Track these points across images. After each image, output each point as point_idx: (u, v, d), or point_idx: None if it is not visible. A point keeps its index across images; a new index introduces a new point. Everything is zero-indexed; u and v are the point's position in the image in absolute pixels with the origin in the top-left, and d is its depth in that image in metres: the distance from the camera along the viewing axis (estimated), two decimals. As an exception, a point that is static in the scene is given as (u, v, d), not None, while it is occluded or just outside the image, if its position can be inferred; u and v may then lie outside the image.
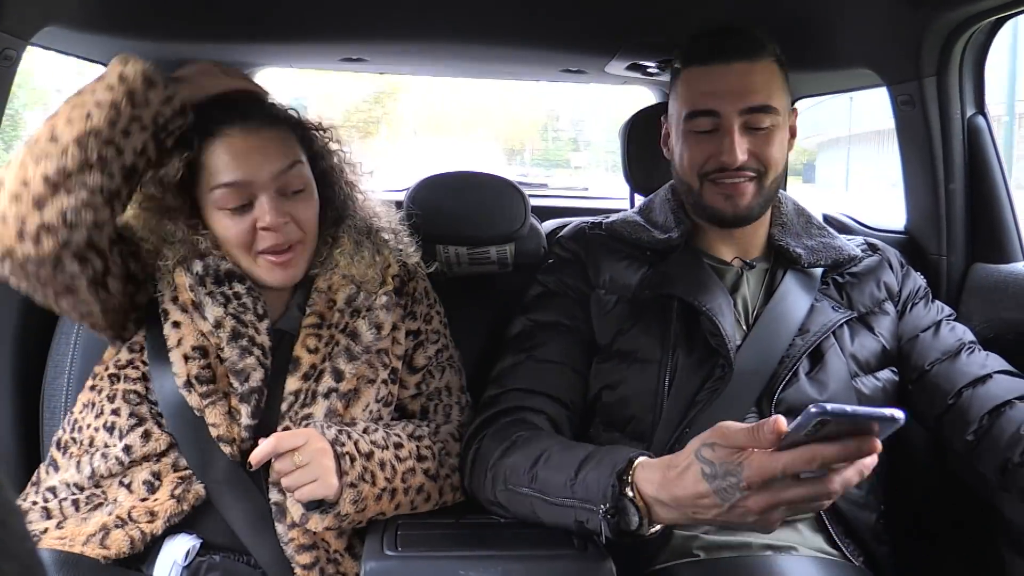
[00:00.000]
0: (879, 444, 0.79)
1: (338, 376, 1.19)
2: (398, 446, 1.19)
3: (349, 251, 1.27)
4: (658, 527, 0.95)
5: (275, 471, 1.11)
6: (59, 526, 1.12)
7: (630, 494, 0.94)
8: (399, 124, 19.16)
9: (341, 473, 1.09)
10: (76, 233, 1.05)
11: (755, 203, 1.26)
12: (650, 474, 0.93)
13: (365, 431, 1.18)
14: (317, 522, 1.10)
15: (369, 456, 1.14)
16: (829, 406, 0.75)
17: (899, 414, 0.77)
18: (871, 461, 0.81)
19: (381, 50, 1.99)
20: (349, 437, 1.14)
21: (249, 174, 1.17)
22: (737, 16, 1.50)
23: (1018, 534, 1.29)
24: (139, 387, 1.19)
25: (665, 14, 1.61)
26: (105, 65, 1.83)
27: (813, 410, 0.74)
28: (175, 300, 1.19)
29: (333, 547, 1.17)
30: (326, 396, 1.18)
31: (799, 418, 0.77)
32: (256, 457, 1.10)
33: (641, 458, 0.96)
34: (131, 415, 1.17)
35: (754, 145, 1.22)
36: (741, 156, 1.21)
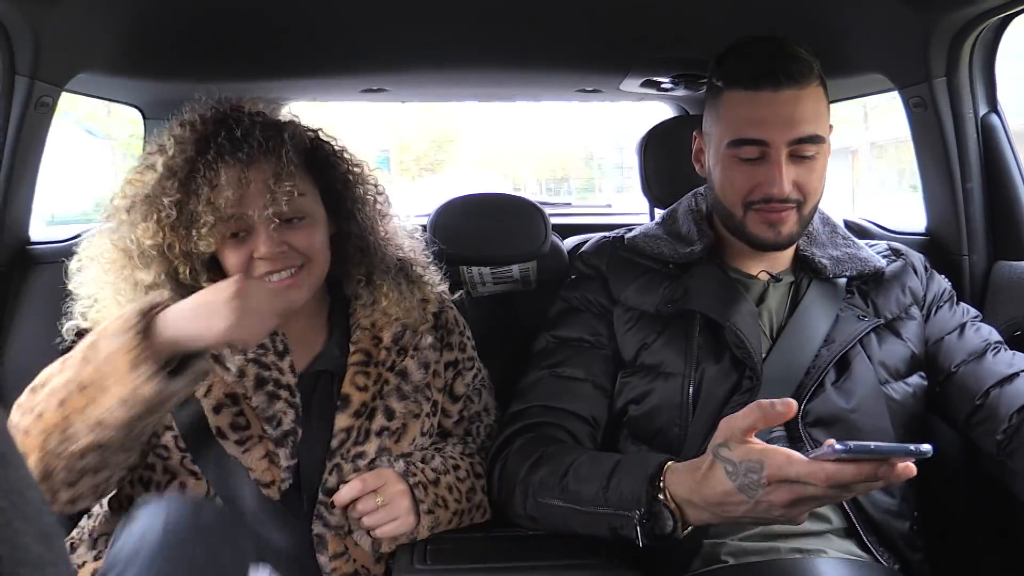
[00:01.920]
0: (900, 468, 0.81)
1: (390, 415, 1.21)
2: (456, 468, 1.23)
3: (395, 298, 1.26)
4: (689, 528, 0.99)
5: (358, 510, 1.14)
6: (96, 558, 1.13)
7: (662, 498, 0.98)
8: (459, 162, 23.02)
9: (417, 503, 1.14)
10: (113, 471, 1.07)
11: (796, 231, 1.25)
12: (680, 477, 0.98)
13: (424, 460, 1.21)
14: (390, 543, 1.15)
15: (436, 483, 1.18)
16: (852, 443, 0.79)
17: (925, 447, 0.80)
18: (902, 476, 0.82)
19: (400, 80, 2.04)
20: (417, 467, 1.18)
21: (244, 207, 1.14)
22: (747, 27, 1.52)
23: None
24: (166, 438, 1.17)
25: (677, 30, 1.63)
26: (138, 108, 1.92)
27: (838, 447, 0.79)
28: None
29: (372, 573, 1.18)
30: (379, 434, 1.19)
31: (820, 450, 0.81)
32: (342, 498, 1.13)
33: (670, 463, 1.00)
34: (165, 471, 1.16)
35: (799, 175, 1.20)
36: (788, 188, 1.19)
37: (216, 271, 1.20)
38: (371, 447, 1.18)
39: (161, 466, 1.17)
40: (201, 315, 1.01)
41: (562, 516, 1.10)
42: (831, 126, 1.27)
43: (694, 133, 1.36)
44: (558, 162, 24.16)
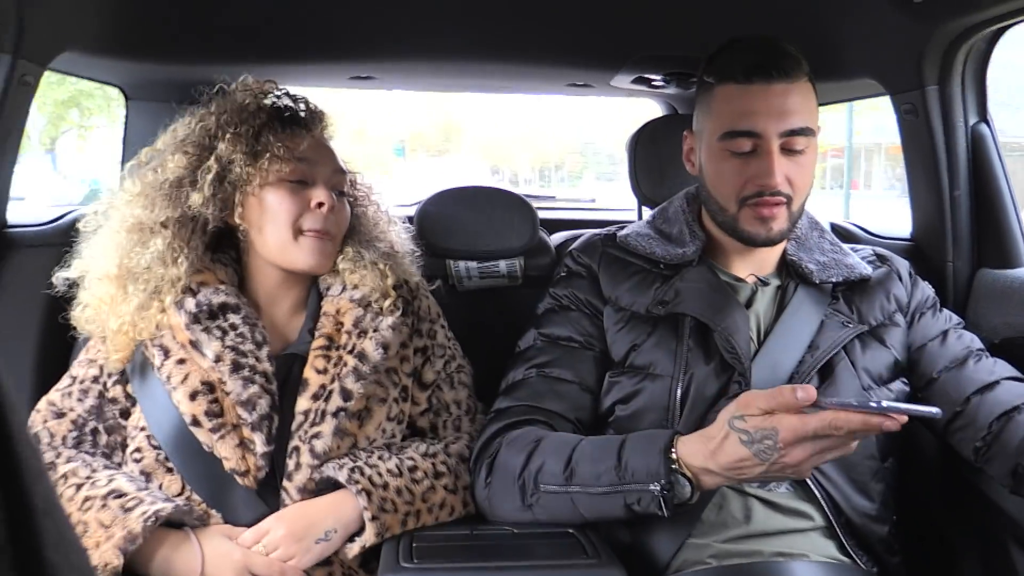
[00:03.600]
0: (903, 420, 0.88)
1: (346, 396, 1.21)
2: (412, 469, 1.22)
3: (351, 258, 1.31)
4: (698, 496, 1.07)
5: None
6: None
7: (677, 468, 1.05)
8: (461, 150, 27.23)
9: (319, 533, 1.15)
10: None
11: (786, 227, 1.25)
12: (692, 448, 1.04)
13: (380, 458, 1.21)
14: (349, 551, 1.16)
15: (386, 487, 1.17)
16: (872, 402, 0.88)
17: (935, 410, 0.87)
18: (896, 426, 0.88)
19: (389, 68, 2.02)
20: (363, 473, 1.17)
21: (312, 165, 1.28)
22: (742, 28, 1.52)
23: None
24: (139, 440, 1.21)
25: (670, 29, 1.63)
26: (121, 89, 1.89)
27: (854, 403, 0.88)
28: (173, 339, 1.21)
29: (347, 563, 1.18)
30: (335, 415, 1.20)
31: (838, 400, 0.91)
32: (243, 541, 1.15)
33: (679, 435, 1.07)
34: (141, 473, 1.19)
35: (789, 170, 1.21)
36: (780, 179, 1.20)
37: (217, 250, 1.30)
38: (326, 428, 1.19)
39: (138, 470, 1.19)
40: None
41: (569, 503, 1.11)
42: (819, 127, 1.29)
43: (684, 133, 1.36)
44: (553, 151, 27.62)
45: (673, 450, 1.05)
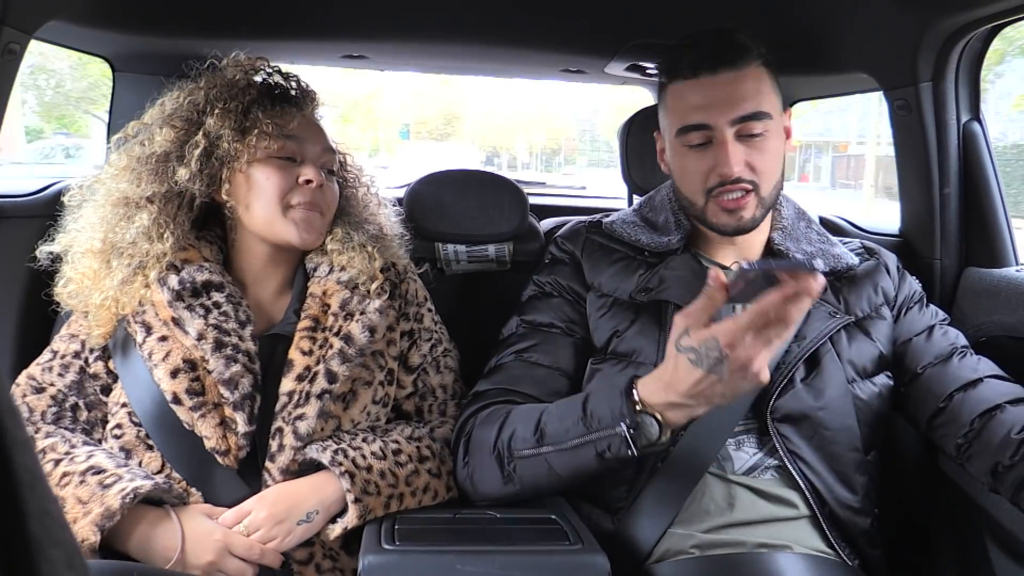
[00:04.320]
0: (820, 277, 0.89)
1: (332, 378, 1.20)
2: (396, 452, 1.21)
3: (339, 239, 1.31)
4: (668, 435, 1.05)
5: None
6: None
7: (640, 408, 1.04)
8: (462, 135, 29.81)
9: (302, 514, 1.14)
10: None
11: (757, 214, 1.25)
12: (652, 386, 1.04)
13: (364, 440, 1.20)
14: (331, 531, 1.15)
15: (369, 469, 1.16)
16: (755, 262, 0.92)
17: (818, 263, 0.91)
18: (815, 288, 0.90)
19: (381, 48, 2.00)
20: (346, 456, 1.16)
21: (301, 143, 1.27)
22: (736, 19, 1.51)
23: (1007, 535, 1.31)
24: (120, 416, 1.20)
25: (664, 17, 1.62)
26: (108, 60, 1.86)
27: (745, 265, 0.92)
28: (156, 316, 1.21)
29: (329, 544, 1.18)
30: (319, 397, 1.19)
31: (731, 275, 0.94)
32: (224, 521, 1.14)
33: (637, 377, 1.06)
34: (121, 450, 1.18)
35: (749, 155, 1.22)
36: (737, 167, 1.21)
37: (204, 228, 1.30)
38: (310, 409, 1.18)
39: (118, 447, 1.18)
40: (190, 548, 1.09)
41: (545, 464, 1.11)
42: (788, 110, 1.30)
43: (655, 134, 1.38)
44: (550, 137, 29.76)
45: (634, 390, 1.05)
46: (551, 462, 1.11)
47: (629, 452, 1.04)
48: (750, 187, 1.23)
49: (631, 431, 1.03)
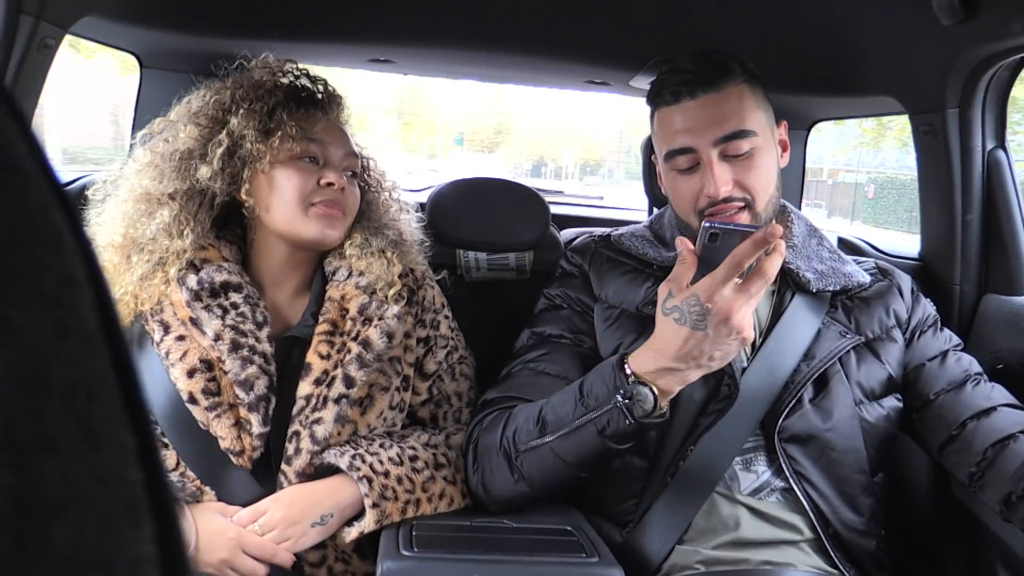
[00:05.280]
0: (779, 228, 0.98)
1: (349, 383, 1.21)
2: (413, 458, 1.22)
3: (359, 244, 1.32)
4: (666, 407, 1.10)
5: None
6: None
7: (633, 378, 1.07)
8: (511, 146, 32.66)
9: (319, 516, 1.15)
10: None
11: None
12: (643, 356, 1.08)
13: (381, 446, 1.21)
14: (347, 535, 1.16)
15: (387, 475, 1.17)
16: (716, 222, 1.02)
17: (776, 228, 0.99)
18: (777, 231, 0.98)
19: (408, 53, 2.01)
20: (363, 460, 1.17)
21: (324, 146, 1.29)
22: (763, 38, 1.51)
23: (1020, 563, 1.31)
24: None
25: (692, 35, 1.63)
26: (136, 56, 1.88)
27: (706, 224, 1.01)
28: (174, 315, 1.21)
29: (342, 547, 1.19)
30: (336, 401, 1.20)
31: (702, 241, 1.03)
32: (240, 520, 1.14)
33: (628, 353, 1.10)
34: None
35: (738, 174, 1.22)
36: (724, 188, 1.20)
37: (224, 228, 1.30)
38: (328, 414, 1.19)
39: None
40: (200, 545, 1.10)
41: (551, 454, 1.13)
42: (780, 123, 1.31)
43: (652, 159, 1.39)
44: (594, 149, 32.48)
45: (626, 364, 1.08)
46: (556, 450, 1.12)
47: (627, 422, 1.06)
48: (742, 204, 1.23)
49: (626, 401, 1.06)
